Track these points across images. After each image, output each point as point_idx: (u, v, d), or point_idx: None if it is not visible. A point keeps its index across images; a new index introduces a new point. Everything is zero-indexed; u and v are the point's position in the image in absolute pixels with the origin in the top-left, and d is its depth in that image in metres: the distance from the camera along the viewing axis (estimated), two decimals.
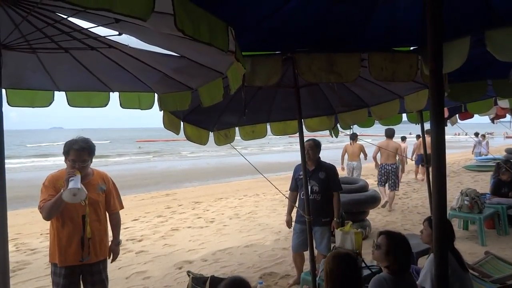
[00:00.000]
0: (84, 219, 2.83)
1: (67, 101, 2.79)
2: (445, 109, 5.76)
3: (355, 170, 9.18)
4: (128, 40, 1.92)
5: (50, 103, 2.80)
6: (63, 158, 2.83)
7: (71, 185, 2.55)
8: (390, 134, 8.42)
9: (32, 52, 2.15)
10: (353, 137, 8.92)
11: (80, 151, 2.75)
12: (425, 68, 2.10)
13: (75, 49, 2.22)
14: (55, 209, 2.72)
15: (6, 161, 1.68)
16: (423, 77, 2.30)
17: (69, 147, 2.76)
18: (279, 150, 35.37)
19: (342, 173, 9.61)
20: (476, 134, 17.52)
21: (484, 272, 3.72)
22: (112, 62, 2.41)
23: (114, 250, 3.10)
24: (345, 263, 2.03)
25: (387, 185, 8.29)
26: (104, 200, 3.00)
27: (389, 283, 2.16)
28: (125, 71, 2.54)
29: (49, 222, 2.91)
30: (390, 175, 8.26)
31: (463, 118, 6.34)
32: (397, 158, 8.54)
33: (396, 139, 9.31)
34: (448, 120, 6.40)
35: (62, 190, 2.62)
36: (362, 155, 9.41)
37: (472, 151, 17.23)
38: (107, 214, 3.06)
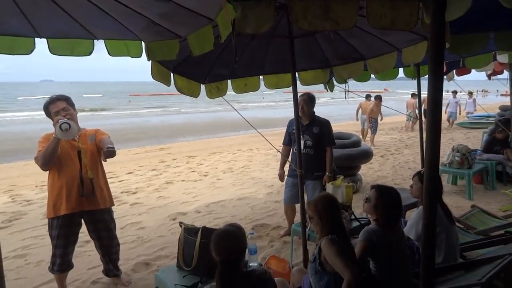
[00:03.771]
0: (80, 155, 2.91)
1: (49, 49, 2.62)
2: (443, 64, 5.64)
3: (365, 122, 12.33)
4: None
5: (32, 51, 2.63)
6: None
7: (61, 121, 2.72)
8: (379, 97, 12.03)
9: None
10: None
11: (56, 101, 2.97)
12: (426, 16, 1.98)
13: None
14: (50, 152, 2.79)
15: None
16: (423, 26, 2.18)
17: (47, 105, 2.99)
18: (274, 105, 35.18)
19: (357, 125, 13.04)
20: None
21: (469, 225, 3.85)
22: (94, 6, 2.25)
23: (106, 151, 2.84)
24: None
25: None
26: (95, 147, 3.07)
27: (378, 234, 2.21)
28: (109, 17, 2.37)
29: (43, 174, 2.98)
30: (375, 124, 12.17)
31: (460, 74, 6.21)
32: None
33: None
34: (445, 76, 6.29)
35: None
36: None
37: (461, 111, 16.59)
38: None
